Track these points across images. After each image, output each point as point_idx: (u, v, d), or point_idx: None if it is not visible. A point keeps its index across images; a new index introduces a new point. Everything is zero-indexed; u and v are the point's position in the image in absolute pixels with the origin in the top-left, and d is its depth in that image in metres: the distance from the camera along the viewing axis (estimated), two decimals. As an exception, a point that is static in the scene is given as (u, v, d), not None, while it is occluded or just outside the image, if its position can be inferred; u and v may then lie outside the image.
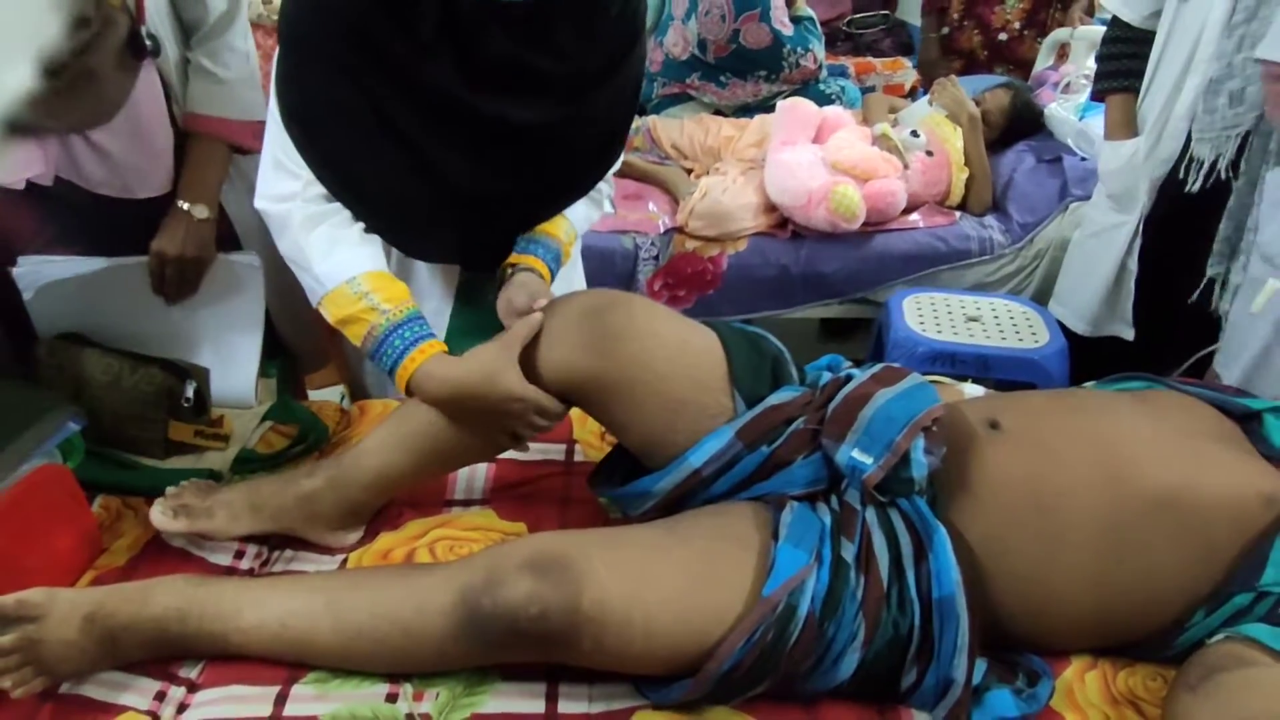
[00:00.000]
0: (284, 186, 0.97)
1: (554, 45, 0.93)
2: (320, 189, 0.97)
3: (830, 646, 0.80)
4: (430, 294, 1.17)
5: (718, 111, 2.50)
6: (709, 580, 0.81)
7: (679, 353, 0.92)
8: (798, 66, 2.44)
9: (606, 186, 1.17)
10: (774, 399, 0.92)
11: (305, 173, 0.96)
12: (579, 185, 1.12)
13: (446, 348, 0.96)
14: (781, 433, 0.90)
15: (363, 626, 0.82)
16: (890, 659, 0.82)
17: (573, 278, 1.30)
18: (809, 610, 0.79)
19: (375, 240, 1.01)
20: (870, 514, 0.87)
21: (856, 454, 0.87)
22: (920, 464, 0.86)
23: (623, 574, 0.79)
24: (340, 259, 0.97)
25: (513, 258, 1.08)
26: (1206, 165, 1.47)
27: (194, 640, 0.83)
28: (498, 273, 1.09)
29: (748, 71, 2.44)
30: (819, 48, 2.48)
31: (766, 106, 2.38)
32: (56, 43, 0.74)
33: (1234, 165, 1.45)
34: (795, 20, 2.43)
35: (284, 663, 0.84)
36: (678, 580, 0.80)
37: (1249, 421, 0.94)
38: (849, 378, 0.95)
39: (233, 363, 1.20)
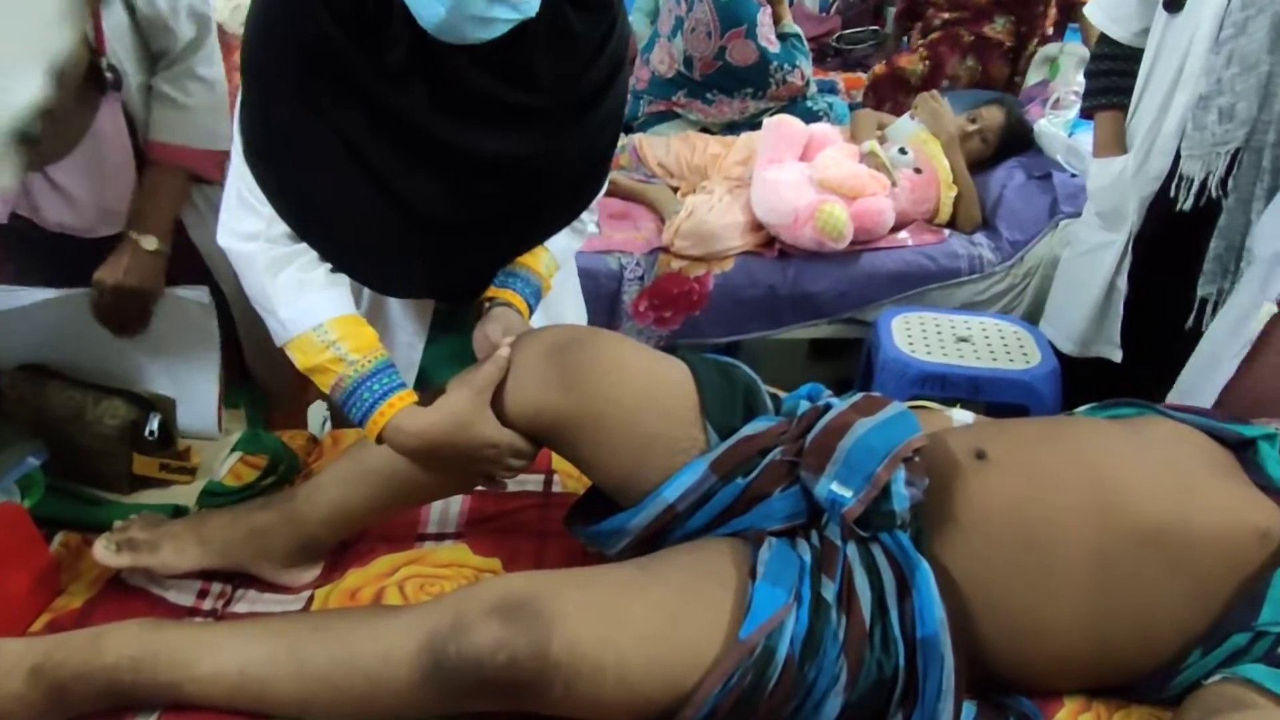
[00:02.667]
0: (248, 224, 0.93)
1: (530, 77, 0.89)
2: (284, 227, 0.93)
3: (811, 690, 0.77)
4: (403, 326, 1.14)
5: (704, 129, 2.49)
6: (684, 621, 0.78)
7: (647, 385, 0.90)
8: (785, 83, 2.43)
9: (589, 215, 1.13)
10: (747, 430, 0.90)
11: (268, 209, 0.92)
12: (557, 218, 1.07)
13: (416, 398, 0.92)
14: (757, 464, 0.87)
15: (325, 674, 0.78)
16: (874, 702, 0.79)
17: (565, 305, 1.26)
18: (788, 653, 0.76)
19: (343, 281, 0.97)
20: (851, 550, 0.84)
21: (835, 487, 0.84)
22: (901, 497, 0.83)
23: (595, 616, 0.76)
24: (306, 304, 0.93)
25: (490, 291, 1.05)
26: (1197, 183, 1.45)
27: (148, 690, 0.79)
28: (474, 306, 1.06)
29: (734, 89, 2.43)
30: (806, 64, 2.47)
31: (753, 124, 2.37)
32: (69, 52, 0.72)
33: (1224, 183, 1.43)
34: (782, 37, 2.42)
35: (243, 713, 0.80)
36: (652, 622, 0.78)
37: (1243, 449, 0.91)
38: (828, 407, 0.92)
39: (192, 396, 1.17)
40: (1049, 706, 0.83)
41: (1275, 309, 1.26)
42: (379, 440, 0.91)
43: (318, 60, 0.85)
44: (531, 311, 1.06)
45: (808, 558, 0.83)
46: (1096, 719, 0.82)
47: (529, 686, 0.74)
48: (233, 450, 1.19)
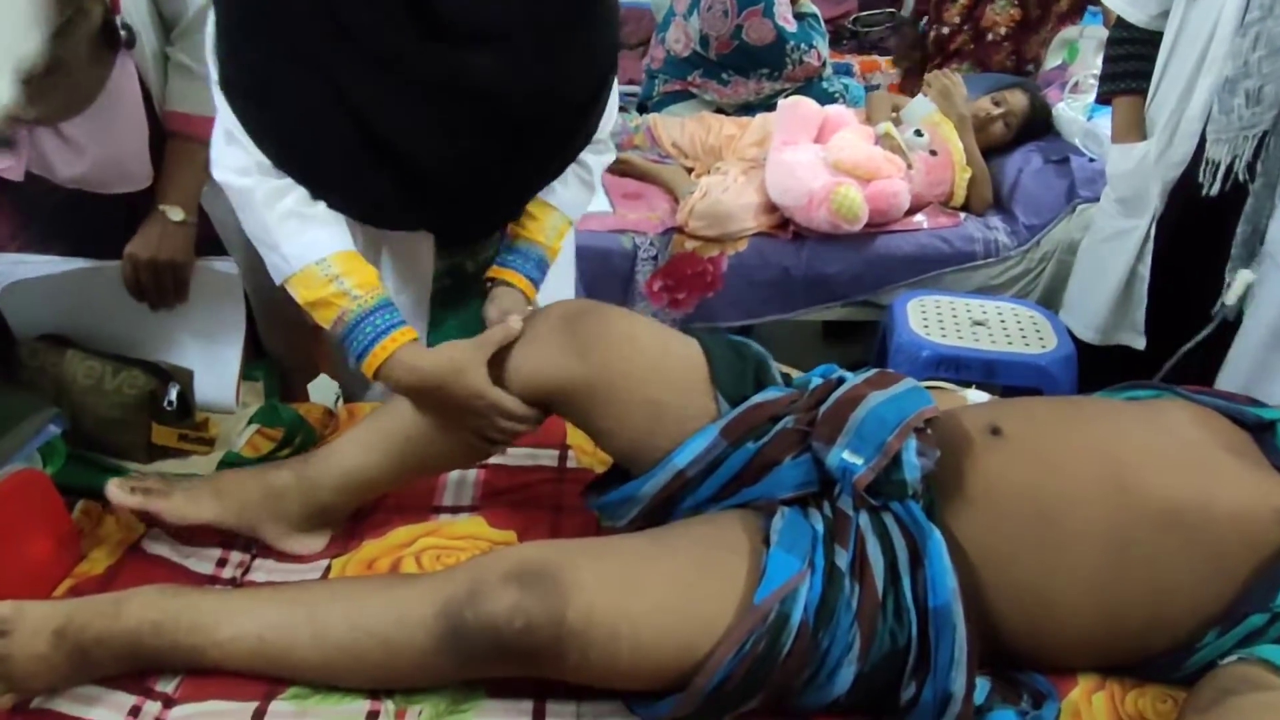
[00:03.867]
0: (237, 158, 0.92)
1: (522, 12, 0.87)
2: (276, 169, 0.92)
3: (825, 659, 0.78)
4: (405, 286, 1.13)
5: (719, 110, 2.47)
6: (698, 590, 0.79)
7: (659, 356, 0.92)
8: (801, 64, 2.41)
9: (595, 162, 1.10)
10: (758, 397, 0.92)
11: (250, 143, 0.91)
12: (555, 156, 1.04)
13: (417, 335, 0.94)
14: (767, 430, 0.89)
15: (342, 640, 0.79)
16: (888, 672, 0.79)
17: (562, 285, 1.25)
18: (802, 619, 0.77)
19: (341, 218, 0.96)
20: (864, 519, 0.84)
21: (847, 455, 0.85)
22: (912, 465, 0.84)
23: (609, 584, 0.77)
24: (309, 238, 0.92)
25: (492, 271, 1.06)
26: (1223, 167, 1.43)
27: (170, 654, 0.81)
28: (479, 285, 1.07)
29: (750, 69, 2.41)
30: (823, 45, 2.45)
31: (768, 105, 2.35)
32: (35, 56, 0.71)
33: (1250, 167, 1.41)
34: (799, 17, 2.40)
35: (263, 677, 0.81)
36: (666, 590, 0.78)
37: (1262, 432, 0.91)
38: (841, 380, 0.93)
39: (213, 367, 1.18)
40: (1063, 684, 0.83)
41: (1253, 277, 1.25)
42: (376, 377, 0.92)
43: None
44: (536, 285, 1.06)
45: (820, 527, 0.84)
46: (1110, 697, 0.83)
47: (545, 653, 0.75)
48: (250, 422, 1.20)
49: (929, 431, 0.87)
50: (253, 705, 0.79)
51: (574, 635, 0.74)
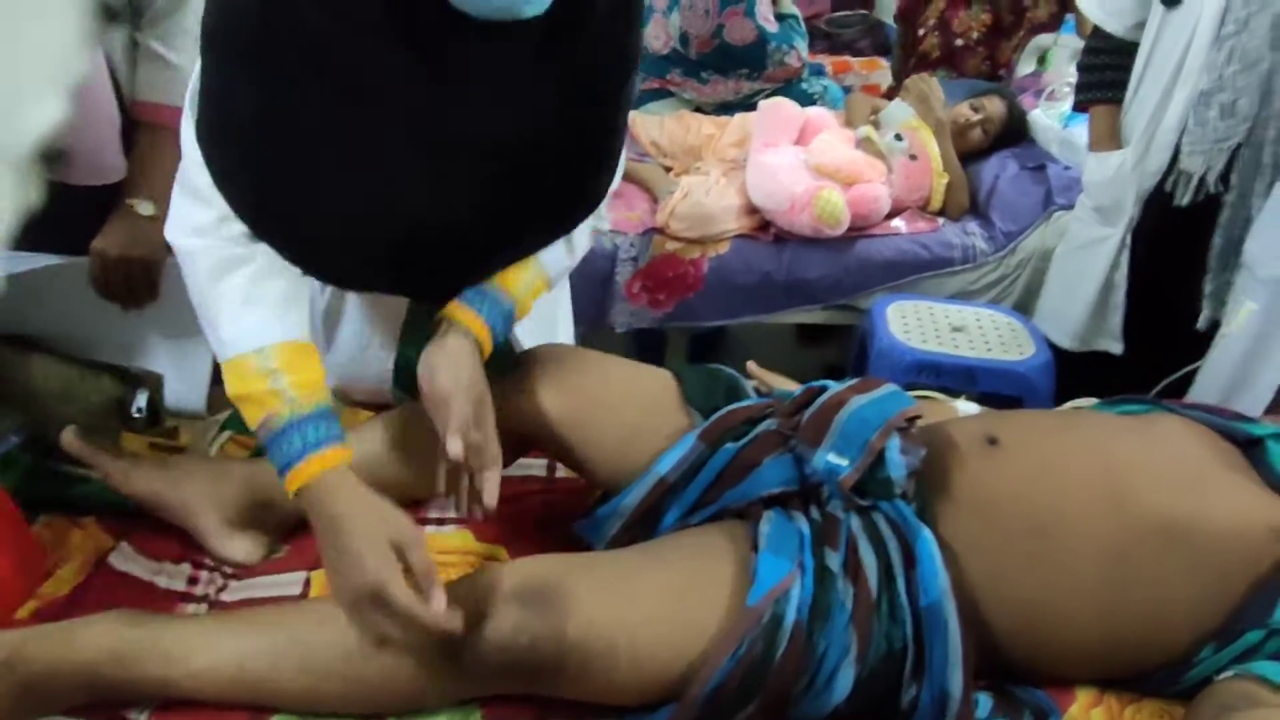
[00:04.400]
0: (196, 216, 0.81)
1: (535, 51, 0.77)
2: (239, 225, 0.80)
3: (822, 662, 0.77)
4: (370, 339, 1.07)
5: (698, 109, 2.45)
6: (690, 598, 0.79)
7: (630, 382, 0.97)
8: (781, 64, 2.40)
9: (586, 230, 0.98)
10: (733, 405, 0.94)
11: (220, 202, 0.79)
12: (552, 217, 0.93)
13: (351, 457, 0.80)
14: (745, 432, 0.90)
15: (332, 666, 0.76)
16: (887, 676, 0.79)
17: (556, 315, 1.22)
18: (796, 619, 0.76)
19: (301, 301, 0.84)
20: (855, 522, 0.84)
21: (832, 457, 0.85)
22: (897, 464, 0.84)
23: (605, 597, 0.78)
24: (251, 322, 0.80)
25: (451, 308, 0.90)
26: (1196, 179, 1.45)
27: (135, 685, 0.76)
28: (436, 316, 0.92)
29: (730, 69, 2.39)
30: (803, 46, 2.44)
31: (747, 105, 2.34)
32: (85, 71, 0.67)
33: (1224, 178, 1.44)
34: (780, 18, 2.39)
35: (243, 707, 0.78)
36: (659, 600, 0.79)
37: (1250, 447, 0.92)
38: (824, 388, 0.94)
39: (184, 370, 1.13)
40: (1061, 697, 0.83)
41: (1255, 306, 1.29)
42: (296, 494, 0.79)
43: (289, 33, 0.72)
44: (494, 339, 0.91)
45: (806, 530, 0.84)
46: (1108, 711, 0.83)
47: (546, 668, 0.75)
48: (222, 429, 1.16)
49: (913, 431, 0.88)
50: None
51: (574, 649, 0.75)
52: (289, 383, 0.79)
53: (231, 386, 0.81)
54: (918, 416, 0.90)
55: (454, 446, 0.80)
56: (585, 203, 0.93)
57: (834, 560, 0.80)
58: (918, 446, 0.86)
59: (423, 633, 0.73)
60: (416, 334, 1.05)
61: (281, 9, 0.71)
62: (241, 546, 0.94)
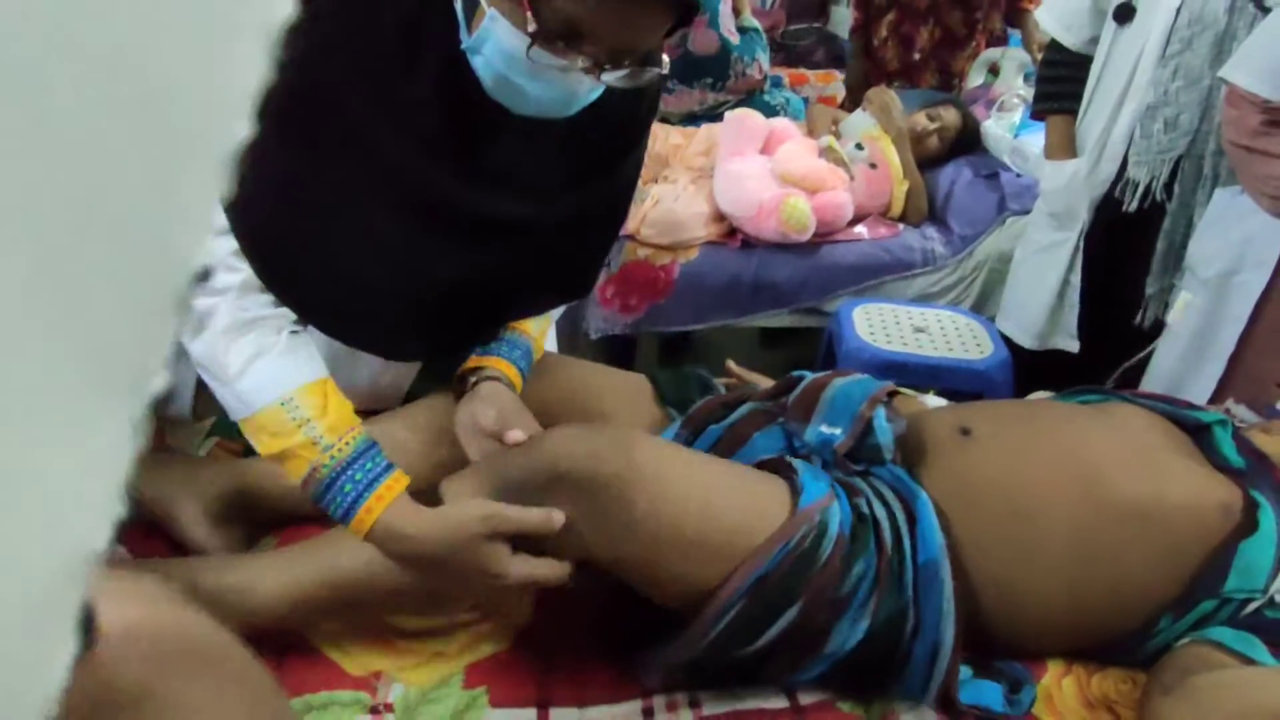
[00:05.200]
0: (221, 279, 0.80)
1: (563, 141, 0.83)
2: (258, 293, 0.80)
3: (856, 591, 0.79)
4: (389, 366, 1.06)
5: (664, 119, 2.51)
6: (751, 485, 0.83)
7: (603, 375, 1.03)
8: (744, 76, 2.47)
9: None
10: (708, 397, 1.00)
11: (244, 268, 0.79)
12: (571, 281, 0.99)
13: (407, 483, 0.79)
14: (725, 415, 0.96)
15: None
16: (887, 639, 0.81)
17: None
18: (839, 532, 0.80)
19: (304, 342, 0.83)
20: (865, 488, 0.88)
21: (824, 428, 0.91)
22: (885, 429, 0.91)
23: (674, 459, 0.79)
24: (268, 373, 0.79)
25: (475, 360, 0.92)
26: (1142, 187, 1.55)
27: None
28: (455, 378, 0.94)
29: (694, 78, 2.45)
30: (764, 59, 2.51)
31: (713, 116, 2.40)
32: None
33: (1168, 187, 1.53)
34: (741, 30, 2.46)
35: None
36: (724, 476, 0.83)
37: (1199, 433, 0.99)
38: (802, 376, 1.00)
39: (171, 373, 1.13)
40: (1035, 669, 0.88)
41: (1191, 297, 1.38)
42: (367, 540, 0.79)
43: (325, 106, 0.75)
44: (523, 377, 0.94)
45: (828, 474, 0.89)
46: (1077, 680, 0.89)
47: (611, 487, 0.73)
48: (209, 435, 1.16)
49: (894, 405, 0.95)
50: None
51: (643, 477, 0.74)
52: (323, 429, 0.78)
53: (265, 445, 0.79)
54: (897, 393, 0.97)
55: (518, 437, 0.82)
56: (599, 266, 1.00)
57: (863, 506, 0.84)
58: (900, 418, 0.93)
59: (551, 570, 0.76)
60: (436, 370, 1.06)
61: (322, 86, 0.73)
62: (220, 538, 0.92)
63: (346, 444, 0.78)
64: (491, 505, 0.76)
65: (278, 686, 0.62)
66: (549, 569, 0.76)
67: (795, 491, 0.82)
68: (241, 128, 0.20)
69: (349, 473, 0.77)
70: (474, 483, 0.79)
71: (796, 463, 0.88)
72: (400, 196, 0.79)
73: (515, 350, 0.94)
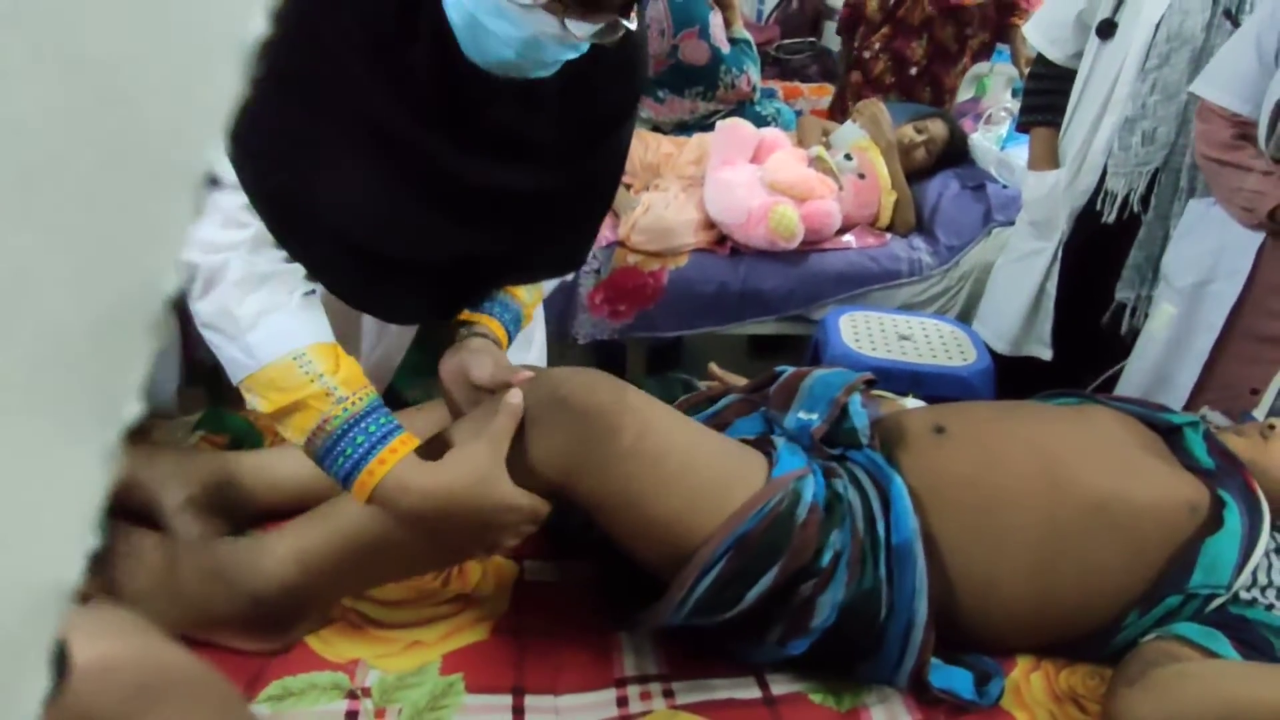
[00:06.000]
0: (227, 236, 0.79)
1: (554, 112, 0.84)
2: (270, 248, 0.80)
3: (835, 566, 0.81)
4: (380, 340, 1.07)
5: (655, 128, 2.54)
6: (729, 460, 0.85)
7: (583, 371, 1.02)
8: (733, 87, 2.50)
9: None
10: (693, 393, 1.04)
11: (255, 224, 0.79)
12: (561, 251, 0.99)
13: (417, 443, 0.79)
14: (708, 407, 0.99)
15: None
16: (863, 615, 0.83)
17: (533, 329, 1.24)
18: (813, 500, 0.82)
19: (316, 306, 0.83)
20: (841, 472, 0.90)
21: (802, 414, 0.95)
22: (860, 414, 0.94)
23: (662, 408, 0.83)
24: (279, 327, 0.78)
25: (467, 315, 0.95)
26: (1120, 198, 1.57)
27: None
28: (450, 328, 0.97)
29: (685, 87, 2.48)
30: (754, 71, 2.54)
31: (705, 125, 2.43)
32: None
33: (1145, 199, 1.56)
34: (732, 42, 2.49)
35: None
36: (707, 443, 0.85)
37: (1171, 435, 1.01)
38: (783, 371, 1.04)
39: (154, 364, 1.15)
40: (1004, 664, 0.90)
41: (1172, 309, 1.40)
42: (371, 498, 0.78)
43: (327, 63, 0.75)
44: (510, 340, 0.97)
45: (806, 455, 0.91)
46: (1045, 675, 0.90)
47: (603, 416, 0.76)
48: (195, 429, 1.17)
49: (871, 393, 0.98)
50: (225, 708, 0.78)
51: (634, 411, 0.78)
52: (337, 381, 0.78)
53: (270, 401, 0.77)
54: (874, 382, 1.00)
55: (515, 398, 0.80)
56: (591, 239, 1.02)
57: (838, 486, 0.86)
58: (875, 404, 0.96)
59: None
60: (433, 337, 1.07)
61: (326, 44, 0.74)
62: (203, 528, 0.91)
63: (360, 398, 0.78)
64: (493, 428, 0.77)
65: (243, 700, 0.65)
66: (541, 502, 0.79)
67: (772, 463, 0.85)
68: (214, 148, 0.19)
69: (363, 424, 0.77)
70: (479, 421, 0.80)
71: (776, 439, 0.90)
72: (396, 163, 0.79)
73: (506, 312, 0.96)
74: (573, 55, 0.76)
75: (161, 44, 0.18)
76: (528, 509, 0.79)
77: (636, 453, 0.77)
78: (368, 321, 1.05)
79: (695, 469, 0.81)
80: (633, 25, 0.75)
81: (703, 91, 2.49)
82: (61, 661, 0.21)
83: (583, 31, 0.73)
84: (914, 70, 2.64)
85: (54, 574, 0.19)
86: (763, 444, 0.90)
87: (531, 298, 1.01)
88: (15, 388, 0.17)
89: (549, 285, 1.06)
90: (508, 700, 0.83)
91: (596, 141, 0.90)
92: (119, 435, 0.19)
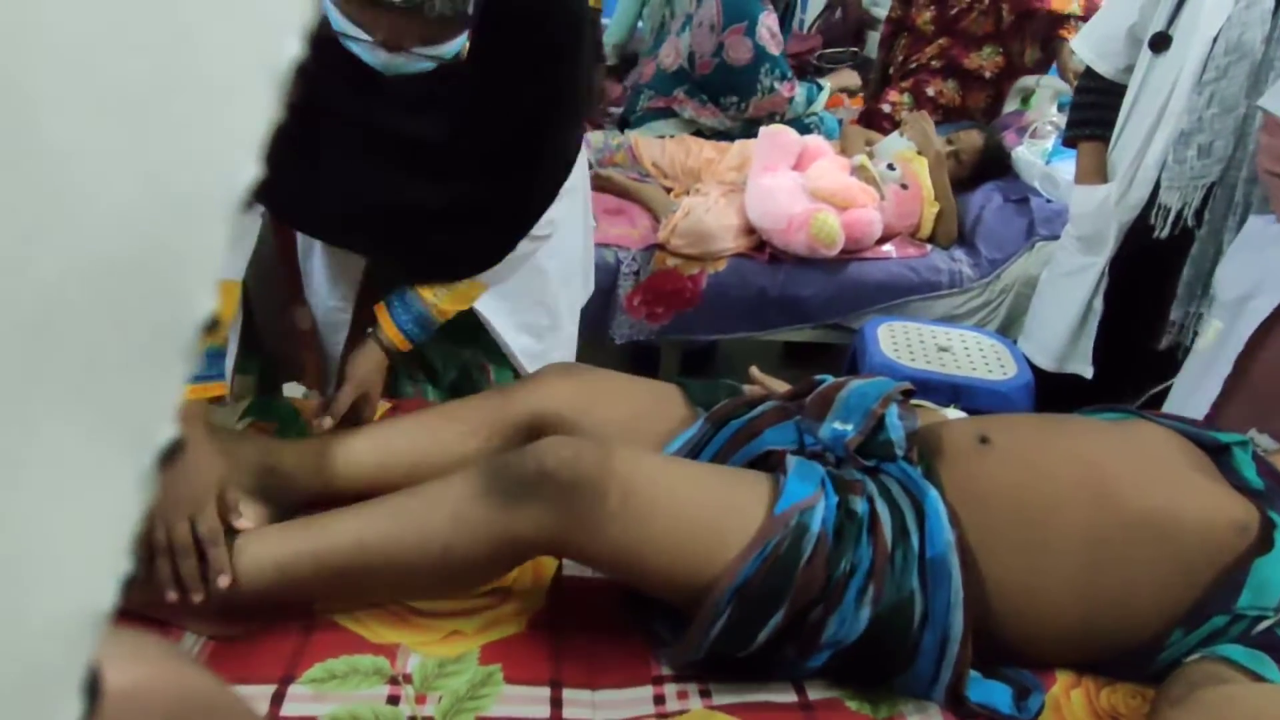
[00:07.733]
0: None
1: (461, 79, 0.92)
2: None
3: (846, 588, 0.81)
4: (336, 284, 1.16)
5: (698, 131, 2.54)
6: (728, 500, 0.85)
7: (634, 379, 1.08)
8: (772, 91, 2.47)
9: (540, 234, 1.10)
10: (736, 397, 1.03)
11: None
12: (482, 214, 1.05)
13: (223, 392, 0.95)
14: (746, 412, 0.99)
15: (387, 513, 0.85)
16: (895, 628, 0.82)
17: (562, 322, 1.31)
18: (821, 530, 0.81)
19: (244, 240, 0.95)
20: (871, 486, 0.90)
21: (837, 425, 0.94)
22: (896, 426, 0.93)
23: (651, 462, 0.85)
24: None
25: (377, 309, 1.07)
26: (1173, 213, 1.55)
27: None
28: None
29: (721, 94, 2.48)
30: (797, 84, 2.53)
31: (747, 132, 2.42)
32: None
33: (1198, 214, 1.53)
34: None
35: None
36: (700, 488, 0.85)
37: (1218, 454, 0.99)
38: (823, 379, 1.03)
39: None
40: (1044, 679, 0.88)
41: (1221, 325, 1.38)
42: None
43: None
44: (410, 341, 1.07)
45: (824, 473, 0.90)
46: (1086, 693, 0.89)
47: (587, 487, 0.78)
48: (243, 416, 1.20)
49: (909, 403, 0.97)
50: (270, 689, 0.80)
51: (617, 477, 0.79)
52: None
53: None
54: (912, 392, 0.99)
55: (325, 422, 1.01)
56: (513, 211, 1.06)
57: (858, 504, 0.86)
58: (913, 416, 0.95)
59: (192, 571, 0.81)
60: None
61: None
62: (251, 510, 0.93)
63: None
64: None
65: None
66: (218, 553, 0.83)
67: (777, 493, 0.84)
68: (247, 175, 0.19)
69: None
70: (470, 477, 0.83)
71: (790, 461, 0.89)
72: (327, 108, 0.89)
73: (406, 314, 1.06)
74: (436, 61, 0.86)
75: (193, 70, 0.18)
76: (206, 524, 0.83)
77: (623, 515, 0.79)
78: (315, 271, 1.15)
79: (683, 522, 0.81)
80: None
81: (737, 101, 2.48)
82: (94, 688, 0.21)
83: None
84: (988, 75, 2.59)
85: (87, 600, 0.19)
86: (779, 463, 0.90)
87: (441, 296, 1.07)
88: (50, 414, 0.17)
89: (477, 293, 1.11)
90: (546, 692, 0.83)
91: (507, 114, 0.97)
92: (153, 460, 0.19)
